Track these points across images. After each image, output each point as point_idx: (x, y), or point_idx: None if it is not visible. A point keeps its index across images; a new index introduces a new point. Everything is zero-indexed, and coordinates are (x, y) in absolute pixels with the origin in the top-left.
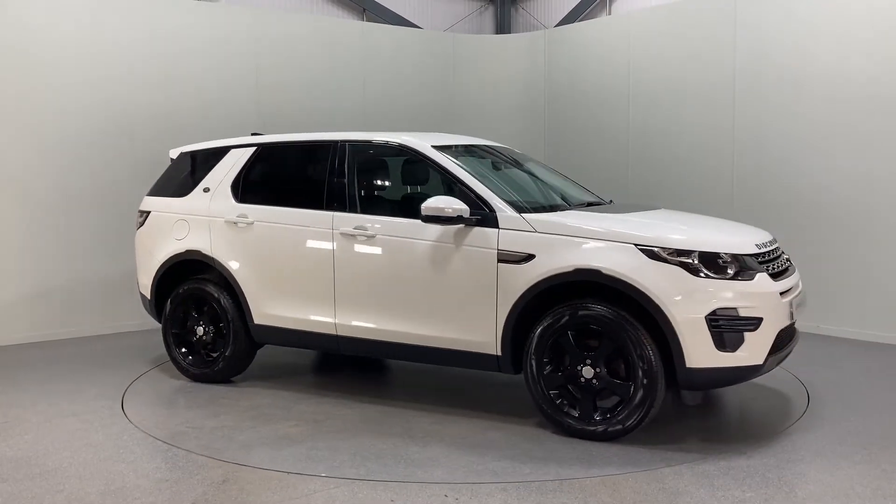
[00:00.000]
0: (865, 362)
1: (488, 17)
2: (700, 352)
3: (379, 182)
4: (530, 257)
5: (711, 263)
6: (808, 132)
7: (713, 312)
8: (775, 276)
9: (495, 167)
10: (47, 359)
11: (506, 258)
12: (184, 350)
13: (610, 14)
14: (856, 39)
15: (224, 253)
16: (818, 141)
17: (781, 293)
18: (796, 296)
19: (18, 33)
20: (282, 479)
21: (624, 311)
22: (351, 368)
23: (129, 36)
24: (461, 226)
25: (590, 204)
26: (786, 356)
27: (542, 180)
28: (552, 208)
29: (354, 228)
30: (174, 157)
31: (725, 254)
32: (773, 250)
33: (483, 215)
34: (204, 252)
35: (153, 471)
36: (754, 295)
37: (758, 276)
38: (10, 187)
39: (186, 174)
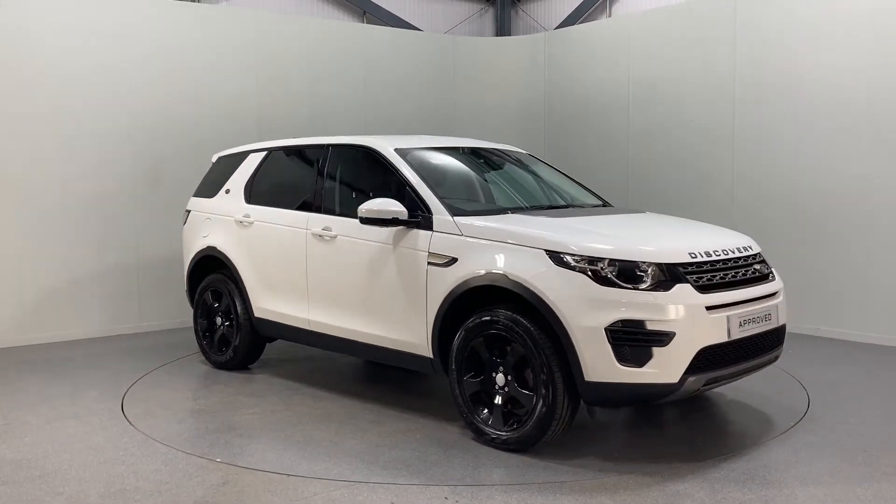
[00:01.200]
0: (866, 364)
1: (488, 19)
2: (600, 365)
3: (348, 184)
4: (453, 261)
5: (624, 272)
6: (808, 134)
7: (615, 323)
8: (719, 287)
9: (472, 169)
10: (47, 361)
11: (434, 261)
12: (206, 340)
13: (610, 16)
14: (856, 41)
15: (233, 250)
16: (818, 143)
17: (711, 307)
18: (754, 310)
19: (20, 35)
20: (282, 482)
21: (527, 319)
22: (362, 371)
23: (129, 38)
24: (401, 227)
25: (568, 206)
26: (736, 376)
27: (525, 182)
28: (501, 211)
29: (322, 229)
30: (214, 160)
31: (643, 262)
32: (730, 259)
33: (421, 218)
34: (219, 249)
35: (153, 473)
36: (668, 307)
37: (676, 287)
38: (10, 189)
39: (218, 176)
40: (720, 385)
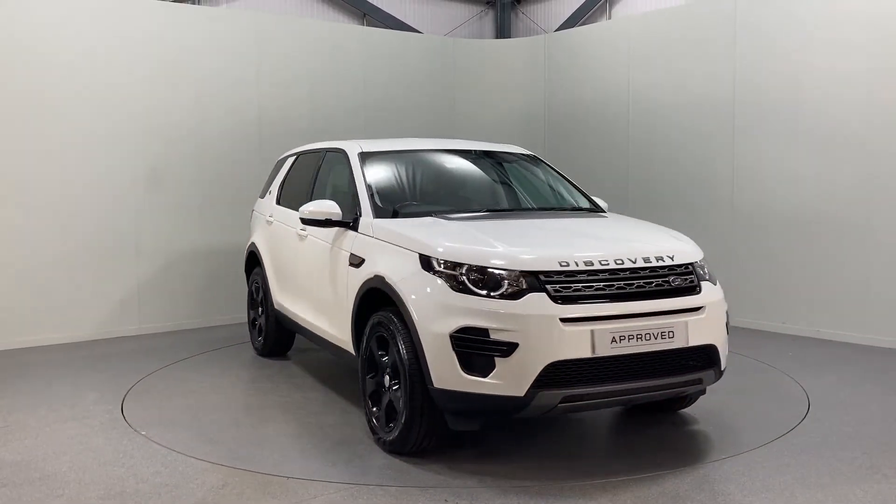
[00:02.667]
0: (865, 366)
1: (488, 21)
2: (446, 372)
3: (332, 185)
4: (363, 262)
5: (483, 279)
6: (808, 137)
7: (459, 330)
8: (588, 298)
9: (444, 172)
10: (47, 363)
11: (352, 261)
12: (252, 328)
13: (610, 18)
14: (856, 43)
15: (262, 248)
16: (819, 145)
17: (570, 319)
18: (640, 326)
19: (21, 37)
20: (282, 484)
21: (398, 321)
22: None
23: (129, 40)
24: (339, 228)
25: (530, 209)
26: (615, 397)
27: (499, 184)
28: (426, 214)
29: (300, 229)
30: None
31: (499, 269)
32: (622, 270)
33: (352, 219)
34: (256, 246)
35: (153, 475)
36: (513, 317)
37: (529, 296)
38: (9, 191)
39: (269, 178)
40: (600, 406)
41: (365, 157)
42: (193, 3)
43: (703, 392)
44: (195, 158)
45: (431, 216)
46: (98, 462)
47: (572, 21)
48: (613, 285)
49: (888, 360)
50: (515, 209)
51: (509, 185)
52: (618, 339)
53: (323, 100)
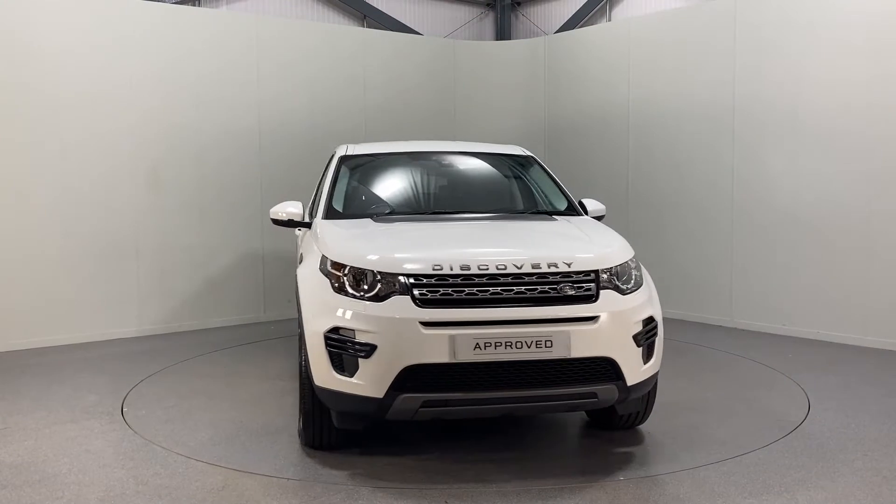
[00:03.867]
0: (866, 368)
1: (488, 23)
2: (322, 370)
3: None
4: (302, 259)
5: (359, 280)
6: (808, 138)
7: (331, 330)
8: (455, 303)
9: (420, 175)
10: (47, 365)
11: (300, 260)
12: None
13: (610, 20)
14: (856, 45)
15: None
16: (819, 147)
17: (431, 323)
18: (510, 334)
19: (21, 38)
20: (282, 486)
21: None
22: None
23: (130, 41)
24: (305, 228)
25: (484, 212)
26: (483, 405)
27: (473, 187)
28: (367, 216)
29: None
30: None
31: (372, 271)
32: (503, 275)
33: (312, 219)
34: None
35: (152, 477)
36: (374, 319)
37: (393, 298)
38: (9, 192)
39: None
40: (472, 415)
41: (346, 159)
42: (194, 4)
43: (641, 411)
44: (195, 160)
45: (371, 218)
46: (98, 464)
47: (572, 23)
48: (488, 290)
49: (888, 362)
50: (465, 211)
51: (482, 187)
52: (482, 346)
53: (323, 101)
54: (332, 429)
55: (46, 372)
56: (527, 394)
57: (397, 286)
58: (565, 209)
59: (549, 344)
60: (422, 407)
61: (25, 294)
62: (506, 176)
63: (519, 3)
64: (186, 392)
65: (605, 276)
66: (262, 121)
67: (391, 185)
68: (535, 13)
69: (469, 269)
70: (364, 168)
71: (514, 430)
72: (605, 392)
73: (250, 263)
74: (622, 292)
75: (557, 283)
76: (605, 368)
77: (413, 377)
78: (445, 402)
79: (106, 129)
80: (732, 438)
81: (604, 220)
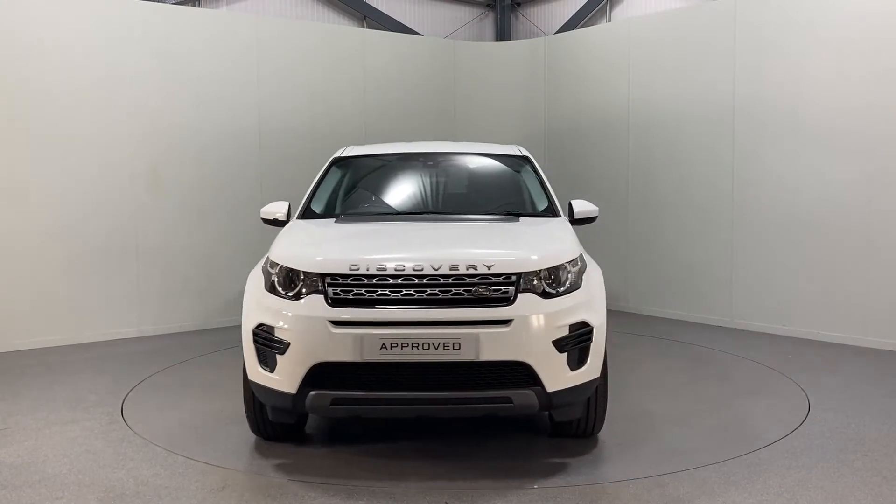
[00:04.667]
0: (866, 368)
1: (488, 23)
2: (251, 365)
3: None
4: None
5: (288, 279)
6: (808, 138)
7: (257, 326)
8: (364, 303)
9: (406, 176)
10: (47, 365)
11: None
12: None
13: (610, 21)
14: (855, 46)
15: None
16: (818, 147)
17: (341, 322)
18: (415, 334)
19: (22, 39)
20: (281, 486)
21: None
22: None
23: (130, 41)
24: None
25: (457, 213)
26: (394, 405)
27: (454, 188)
28: (335, 216)
29: None
30: None
31: (297, 271)
32: (417, 276)
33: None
34: None
35: (152, 477)
36: (289, 317)
37: (310, 297)
38: (9, 193)
39: None
40: (384, 414)
41: (338, 160)
42: (194, 4)
43: (579, 416)
44: (195, 160)
45: (336, 218)
46: (98, 464)
47: (572, 23)
48: (401, 291)
49: (888, 362)
50: (436, 212)
51: (463, 188)
52: (388, 346)
53: (323, 102)
54: (267, 421)
55: (46, 372)
56: (435, 395)
57: (314, 285)
58: (543, 210)
59: (456, 346)
60: (332, 404)
61: (25, 294)
62: (492, 176)
63: (519, 4)
64: (187, 392)
65: (527, 278)
66: (262, 121)
67: (373, 187)
68: (535, 14)
69: (385, 269)
70: (353, 169)
71: (511, 431)
72: (522, 397)
73: (250, 263)
74: (547, 296)
75: (474, 285)
76: (520, 373)
77: (323, 374)
78: (355, 401)
79: (106, 130)
80: (732, 439)
81: (597, 221)
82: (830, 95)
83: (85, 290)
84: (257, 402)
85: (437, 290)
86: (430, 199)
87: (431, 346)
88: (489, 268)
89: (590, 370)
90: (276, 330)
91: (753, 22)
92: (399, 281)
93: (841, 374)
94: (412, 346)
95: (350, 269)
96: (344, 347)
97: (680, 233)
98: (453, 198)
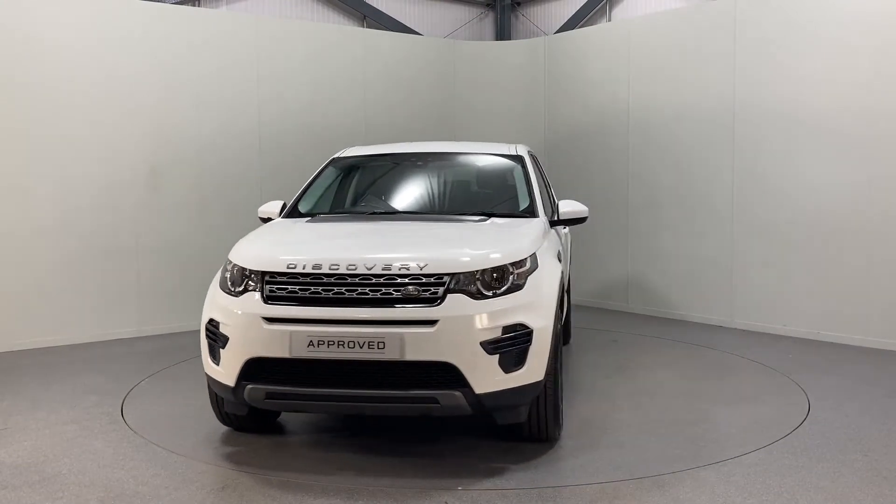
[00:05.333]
0: (866, 368)
1: (488, 23)
2: (204, 358)
3: None
4: None
5: (239, 276)
6: (808, 139)
7: (208, 321)
8: (296, 301)
9: (396, 177)
10: (47, 365)
11: None
12: None
13: (610, 20)
14: (856, 46)
15: None
16: (819, 147)
17: (273, 319)
18: (340, 332)
19: (22, 39)
20: (281, 486)
21: None
22: None
23: (129, 41)
24: None
25: (428, 213)
26: (324, 402)
27: (436, 188)
28: (312, 216)
29: None
30: None
31: (242, 269)
32: (347, 275)
33: None
34: None
35: (152, 477)
36: (230, 312)
37: (247, 294)
38: (8, 193)
39: None
40: (315, 410)
41: (335, 161)
42: (194, 4)
43: (522, 418)
44: (195, 159)
45: (308, 217)
46: (98, 464)
47: (572, 23)
48: (332, 290)
49: (889, 363)
50: (409, 212)
51: (446, 187)
52: (315, 343)
53: (323, 102)
54: (223, 412)
55: (46, 372)
56: (360, 393)
57: (254, 283)
58: (522, 210)
59: (381, 345)
60: (266, 398)
61: (25, 294)
62: (477, 176)
63: (519, 4)
64: (186, 392)
65: (460, 279)
66: (262, 121)
67: (358, 188)
68: (534, 13)
69: (320, 268)
70: (346, 171)
71: (512, 431)
72: (448, 398)
73: None
74: (480, 297)
75: (405, 285)
76: (446, 374)
77: (257, 369)
78: (286, 396)
79: (105, 130)
80: (732, 438)
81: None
82: (830, 95)
83: (85, 290)
84: (214, 392)
85: (367, 290)
86: (407, 199)
87: (356, 345)
88: (421, 268)
89: (529, 373)
90: (220, 325)
91: (753, 21)
92: (332, 280)
93: (841, 374)
94: (338, 344)
95: (287, 268)
96: (275, 343)
97: (680, 232)
98: (431, 198)
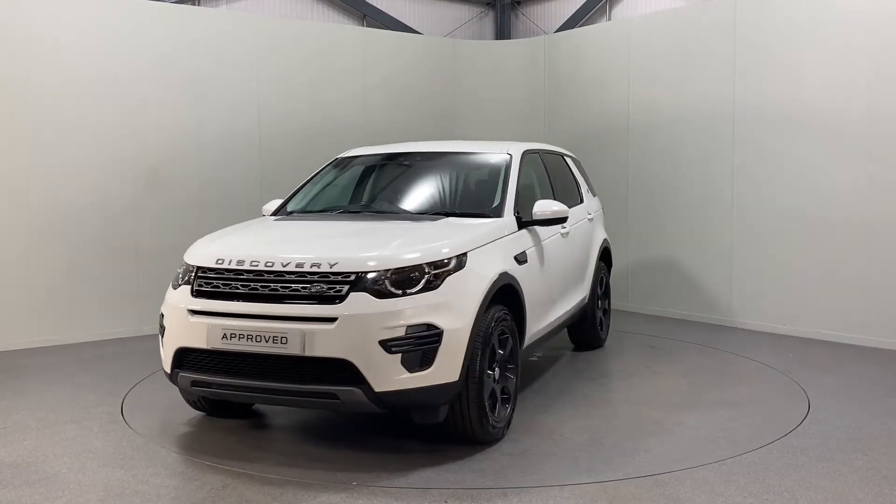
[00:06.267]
0: (866, 368)
1: (488, 22)
2: (160, 347)
3: None
4: None
5: (183, 271)
6: (808, 138)
7: (161, 315)
8: (217, 295)
9: (391, 176)
10: (47, 365)
11: None
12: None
13: (610, 19)
14: (856, 46)
15: None
16: (819, 147)
17: (197, 311)
18: (248, 326)
19: (20, 38)
20: (281, 485)
21: None
22: None
23: (129, 41)
24: None
25: (393, 212)
26: (240, 392)
27: (412, 188)
28: (289, 215)
29: None
30: None
31: (188, 264)
32: (263, 272)
33: None
34: None
35: (152, 477)
36: (167, 305)
37: (182, 288)
38: (8, 192)
39: None
40: (236, 399)
41: (337, 161)
42: (194, 4)
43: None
44: (195, 159)
45: (279, 215)
46: (98, 463)
47: (572, 22)
48: (249, 285)
49: (889, 362)
50: (366, 211)
51: (422, 187)
52: (228, 336)
53: (323, 101)
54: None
55: (46, 372)
56: (266, 385)
57: (190, 277)
58: (490, 210)
59: (283, 340)
60: (192, 385)
61: (25, 294)
62: (459, 176)
63: (519, 3)
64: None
65: (367, 278)
66: (262, 121)
67: (341, 187)
68: (534, 12)
69: (243, 264)
70: (344, 169)
71: (515, 428)
72: (348, 395)
73: None
74: (387, 296)
75: (314, 282)
76: (345, 371)
77: (185, 358)
78: (208, 384)
79: (105, 129)
80: (732, 438)
81: (567, 222)
82: (830, 94)
83: (84, 290)
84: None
85: (279, 287)
86: (379, 198)
87: (263, 339)
88: (332, 266)
89: (438, 373)
90: (163, 317)
91: (753, 21)
92: (251, 276)
93: (841, 373)
94: (248, 338)
95: (216, 263)
96: (197, 335)
97: (680, 232)
98: (400, 197)
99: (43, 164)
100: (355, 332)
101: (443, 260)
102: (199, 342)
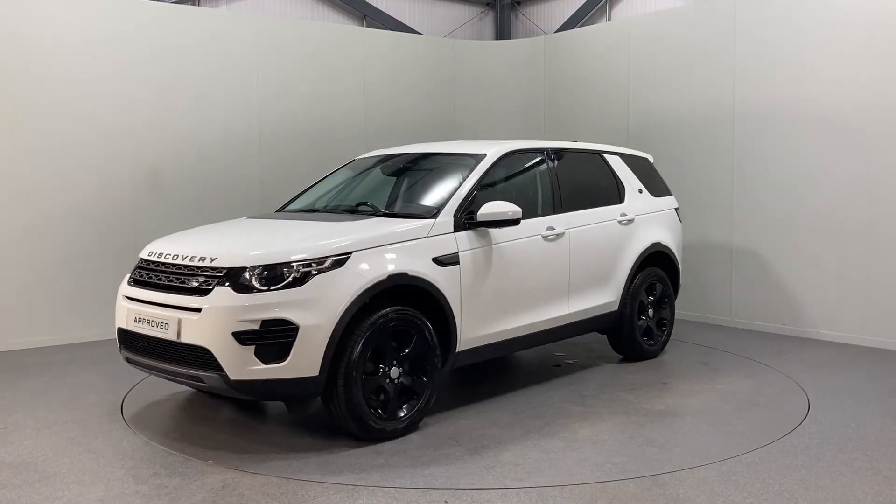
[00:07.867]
0: (866, 367)
1: (488, 22)
2: None
3: None
4: None
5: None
6: (808, 137)
7: None
8: (138, 284)
9: (390, 176)
10: (47, 364)
11: None
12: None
13: (610, 20)
14: (857, 45)
15: None
16: (819, 146)
17: (128, 297)
18: (144, 312)
19: (20, 38)
20: (281, 485)
21: None
22: None
23: (129, 41)
24: None
25: (361, 212)
26: (152, 369)
27: (396, 190)
28: (278, 214)
29: None
30: None
31: (140, 258)
32: (167, 265)
33: None
34: None
35: (152, 477)
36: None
37: (126, 276)
38: (8, 192)
39: None
40: (149, 371)
41: (351, 163)
42: (194, 4)
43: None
44: (195, 160)
45: (280, 212)
46: (98, 463)
47: (572, 22)
48: (157, 275)
49: (888, 362)
50: (322, 212)
51: (381, 189)
52: (136, 320)
53: (323, 101)
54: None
55: (46, 372)
56: (158, 365)
57: (134, 268)
58: (427, 211)
59: (165, 326)
60: (126, 361)
61: (25, 294)
62: (427, 177)
63: (518, 3)
64: (186, 391)
65: (233, 273)
66: (262, 121)
67: (332, 188)
68: (534, 13)
69: (160, 257)
70: (346, 171)
71: (516, 427)
72: (210, 380)
73: None
74: (250, 290)
75: (193, 274)
76: (207, 358)
77: (122, 337)
78: (130, 361)
79: (105, 129)
80: (732, 438)
81: (518, 222)
82: (830, 94)
83: (84, 289)
84: None
85: (173, 278)
86: (344, 199)
87: (154, 324)
88: (212, 261)
89: (292, 367)
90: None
91: (753, 20)
92: (161, 268)
93: (841, 373)
94: (145, 322)
95: (147, 256)
96: (122, 317)
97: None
98: (357, 198)
99: (43, 164)
100: (213, 322)
101: (318, 258)
102: (122, 323)
